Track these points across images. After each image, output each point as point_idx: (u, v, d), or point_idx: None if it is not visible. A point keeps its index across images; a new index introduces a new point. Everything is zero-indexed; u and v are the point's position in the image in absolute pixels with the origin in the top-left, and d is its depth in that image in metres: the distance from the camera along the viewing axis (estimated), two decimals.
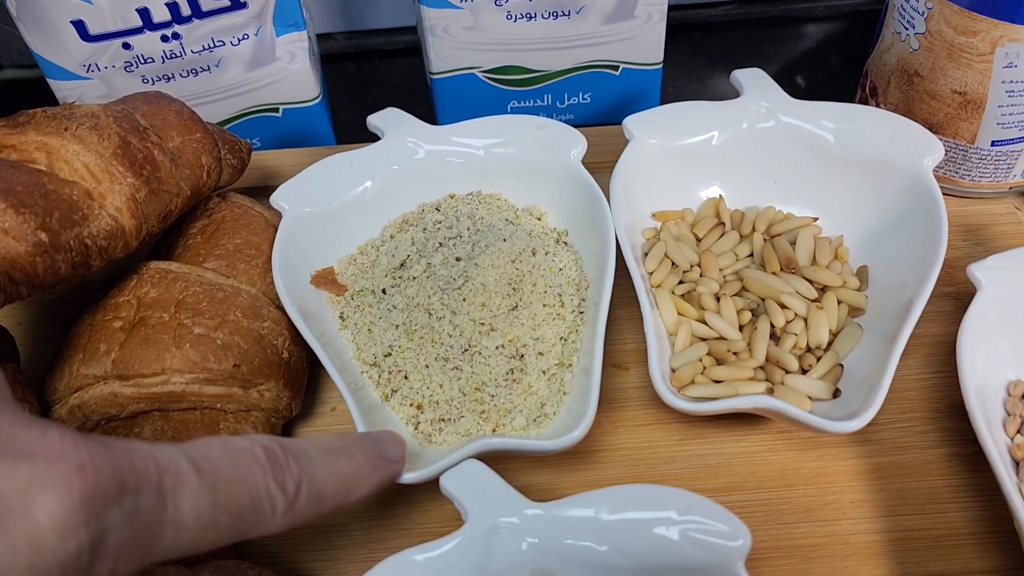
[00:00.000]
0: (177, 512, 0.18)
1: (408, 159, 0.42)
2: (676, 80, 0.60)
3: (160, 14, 0.44)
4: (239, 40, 0.47)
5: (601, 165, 0.42)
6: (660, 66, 0.51)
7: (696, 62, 0.62)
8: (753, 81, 0.43)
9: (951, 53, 0.40)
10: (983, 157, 0.43)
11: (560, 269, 0.39)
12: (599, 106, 0.53)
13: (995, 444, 0.32)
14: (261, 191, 0.43)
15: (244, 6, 0.45)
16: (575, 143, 0.42)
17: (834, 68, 0.62)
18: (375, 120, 0.44)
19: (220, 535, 0.19)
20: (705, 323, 0.37)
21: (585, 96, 0.53)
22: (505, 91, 0.52)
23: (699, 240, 0.42)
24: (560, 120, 0.43)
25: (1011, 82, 0.39)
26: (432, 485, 0.31)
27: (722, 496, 0.35)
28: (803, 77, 0.61)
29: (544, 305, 0.37)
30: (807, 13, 0.63)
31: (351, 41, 0.63)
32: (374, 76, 0.63)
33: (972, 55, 0.39)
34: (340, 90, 0.60)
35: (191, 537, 0.18)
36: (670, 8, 0.48)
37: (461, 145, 0.43)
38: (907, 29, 0.42)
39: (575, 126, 0.43)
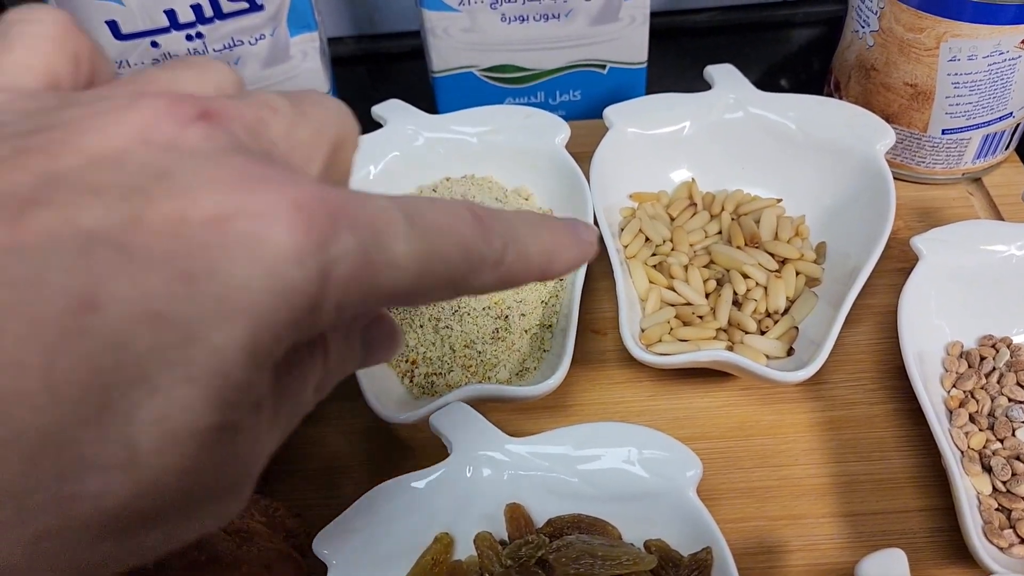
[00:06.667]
0: (392, 254, 0.18)
1: (408, 145, 0.47)
2: (664, 80, 0.64)
3: (185, 15, 0.48)
4: (256, 40, 0.51)
5: (587, 154, 0.46)
6: (644, 65, 0.55)
7: (682, 63, 0.66)
8: (724, 75, 0.47)
9: (902, 48, 0.44)
10: (935, 145, 0.47)
11: None
12: (588, 102, 0.57)
13: (931, 397, 0.35)
14: None
15: (261, 8, 0.49)
16: (559, 130, 0.46)
17: (815, 70, 0.65)
18: (379, 110, 0.48)
19: (436, 284, 0.19)
20: (674, 290, 0.41)
21: (575, 93, 0.57)
22: (502, 88, 0.56)
23: (672, 219, 0.45)
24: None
25: (956, 74, 0.43)
26: (427, 433, 0.35)
27: (686, 444, 0.38)
28: (786, 79, 0.65)
29: None
30: (787, 19, 0.67)
31: (360, 45, 0.67)
32: (382, 77, 0.67)
33: (920, 50, 0.43)
34: (351, 90, 0.64)
35: (408, 280, 0.18)
36: (658, 13, 0.52)
37: (456, 132, 0.47)
38: (863, 27, 0.45)
39: (567, 121, 0.47)
